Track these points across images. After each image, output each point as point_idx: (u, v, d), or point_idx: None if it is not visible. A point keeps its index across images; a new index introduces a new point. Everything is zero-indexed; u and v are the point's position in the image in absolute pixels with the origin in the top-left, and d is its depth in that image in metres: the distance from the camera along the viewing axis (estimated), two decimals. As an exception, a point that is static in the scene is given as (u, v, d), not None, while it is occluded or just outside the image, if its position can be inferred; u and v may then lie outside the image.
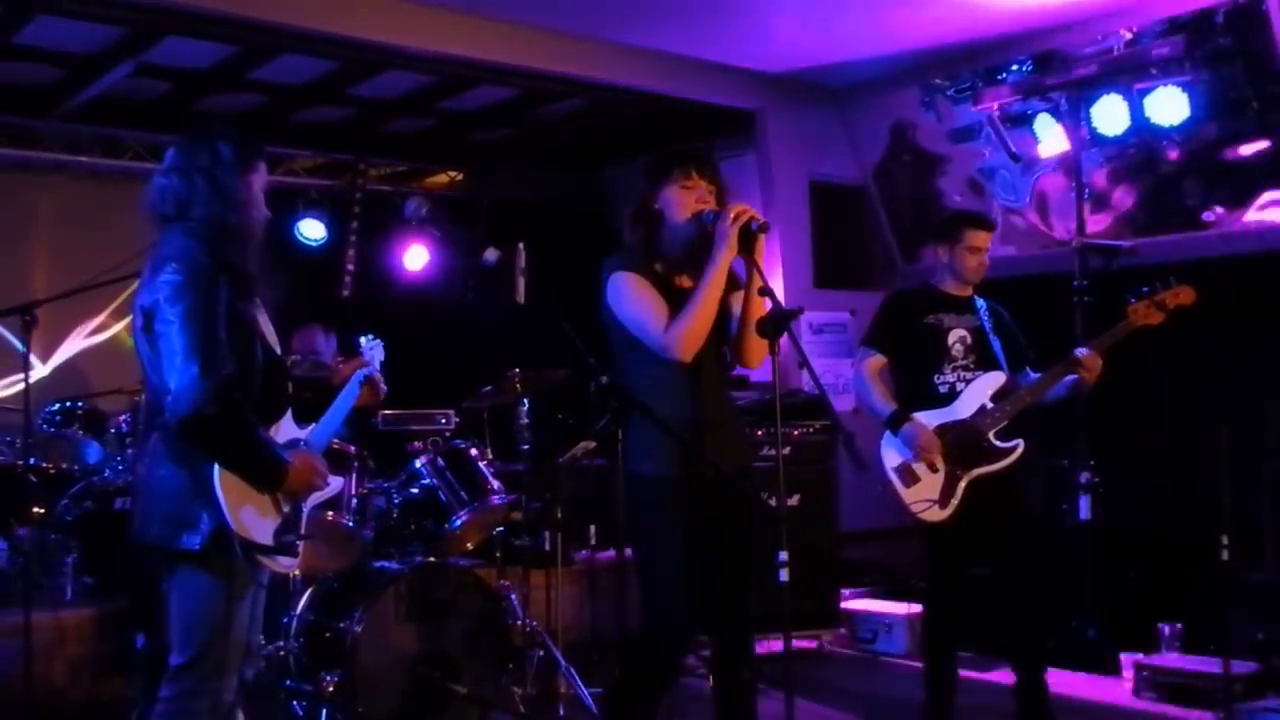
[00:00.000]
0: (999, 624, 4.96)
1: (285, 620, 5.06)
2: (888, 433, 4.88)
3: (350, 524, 5.24)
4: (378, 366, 3.98)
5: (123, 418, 5.90)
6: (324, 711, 4.90)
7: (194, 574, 3.29)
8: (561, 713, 5.47)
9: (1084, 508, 6.49)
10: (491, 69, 7.01)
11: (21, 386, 4.93)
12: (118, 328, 7.31)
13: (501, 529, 5.81)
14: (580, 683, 5.45)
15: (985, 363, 4.95)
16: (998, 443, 4.85)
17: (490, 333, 7.75)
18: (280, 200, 7.56)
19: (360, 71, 7.08)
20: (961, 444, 4.82)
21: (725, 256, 3.68)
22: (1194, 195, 6.77)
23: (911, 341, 4.96)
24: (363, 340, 4.06)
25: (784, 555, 3.39)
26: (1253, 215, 6.55)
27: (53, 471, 5.95)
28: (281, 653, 4.97)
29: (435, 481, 5.44)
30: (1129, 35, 6.61)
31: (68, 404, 6.19)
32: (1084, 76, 6.75)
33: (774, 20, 6.74)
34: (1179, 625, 5.98)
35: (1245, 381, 5.07)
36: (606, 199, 9.14)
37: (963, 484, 4.81)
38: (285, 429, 3.54)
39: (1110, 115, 6.64)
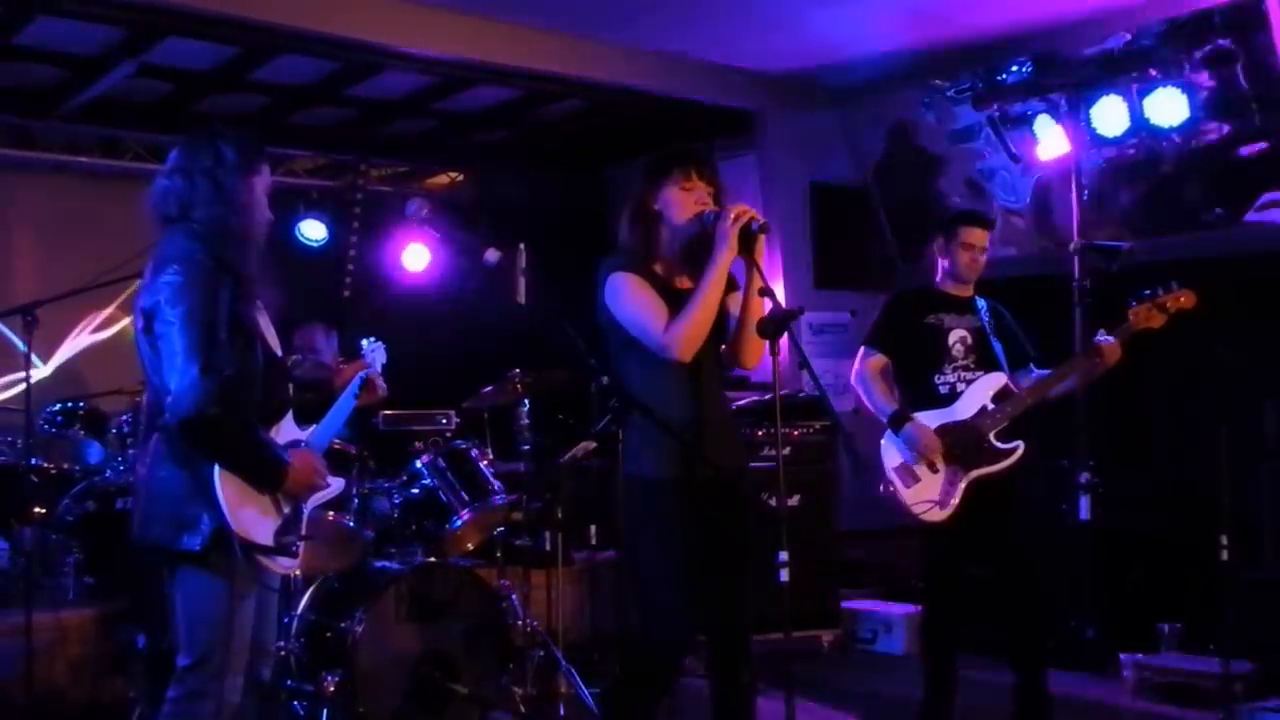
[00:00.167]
0: (999, 624, 4.97)
1: (286, 620, 5.06)
2: (889, 433, 4.89)
3: (351, 524, 5.24)
4: (379, 368, 3.99)
5: (124, 418, 5.91)
6: (325, 711, 4.91)
7: (195, 575, 3.30)
8: (562, 713, 5.47)
9: (1084, 508, 6.49)
10: (492, 70, 7.01)
11: (23, 387, 4.93)
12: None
13: (502, 529, 5.82)
14: (581, 683, 5.45)
15: (986, 363, 4.96)
16: (998, 444, 4.86)
17: (491, 333, 7.76)
18: (281, 201, 7.54)
19: (361, 72, 7.09)
20: (962, 445, 4.83)
21: (726, 257, 3.68)
22: (1194, 196, 6.78)
23: (912, 341, 4.97)
24: (364, 342, 4.06)
25: (784, 555, 3.40)
26: (1252, 216, 6.56)
27: (54, 472, 5.96)
28: (282, 653, 4.97)
29: (436, 482, 5.45)
30: (1129, 36, 6.62)
31: (69, 404, 6.20)
32: (1084, 77, 6.76)
33: (774, 21, 6.74)
34: (1178, 625, 5.99)
35: (1245, 382, 5.07)
36: (607, 200, 9.14)
37: (963, 485, 4.82)
38: (286, 430, 3.54)
39: (1110, 116, 6.65)
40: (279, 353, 3.55)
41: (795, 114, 8.04)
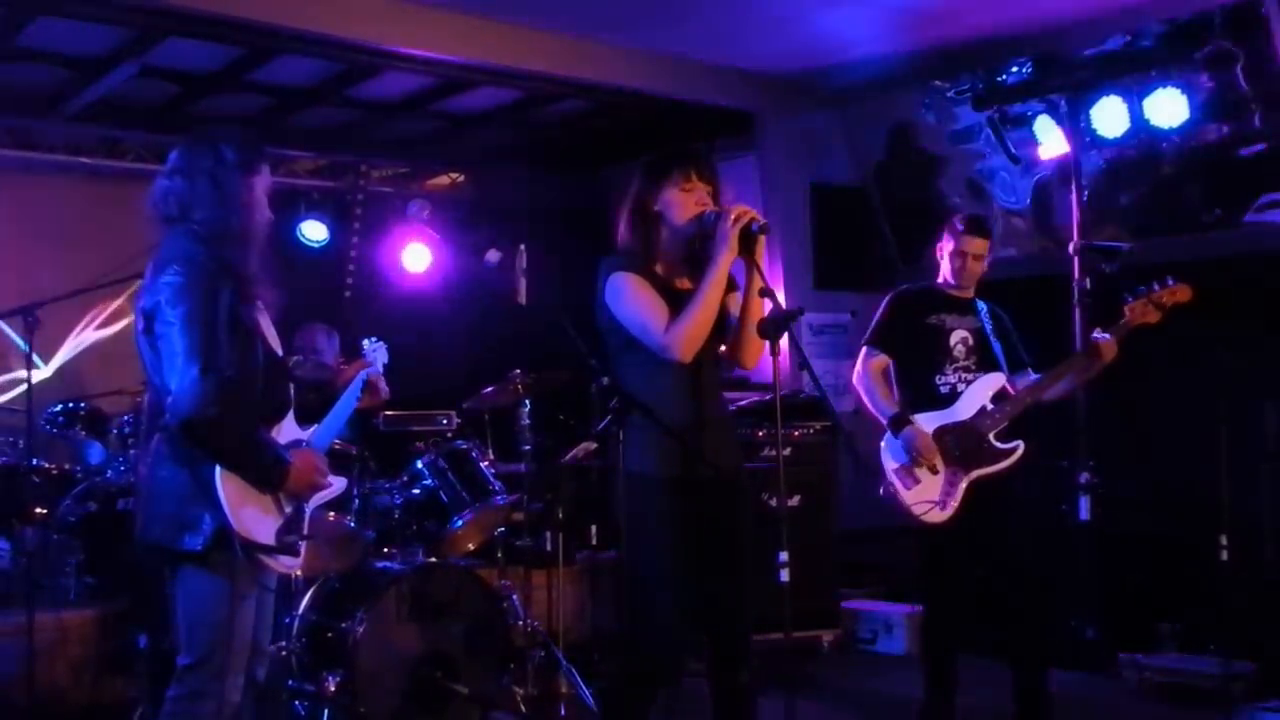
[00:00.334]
0: (998, 624, 4.97)
1: (287, 620, 5.07)
2: (888, 435, 4.90)
3: (352, 524, 5.26)
4: (380, 368, 3.99)
5: (125, 419, 5.91)
6: (326, 711, 4.92)
7: (196, 574, 3.31)
8: (563, 713, 5.48)
9: (1084, 508, 6.50)
10: (492, 71, 7.02)
11: (24, 387, 4.94)
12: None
13: (503, 529, 5.83)
14: (581, 683, 5.46)
15: (986, 364, 4.97)
16: (998, 444, 4.87)
17: (491, 333, 7.77)
18: (282, 201, 7.59)
19: (361, 73, 7.10)
20: (962, 445, 4.84)
21: (726, 258, 3.69)
22: (1193, 197, 6.79)
23: (914, 342, 4.97)
24: (366, 342, 4.07)
25: (784, 555, 3.40)
26: (1252, 217, 6.57)
27: (55, 472, 5.96)
28: (283, 653, 4.98)
29: (437, 482, 5.46)
30: (1128, 37, 6.62)
31: (70, 405, 6.20)
32: (1084, 78, 6.77)
33: (774, 22, 6.74)
34: (1178, 625, 6.00)
35: (1244, 382, 5.08)
36: (607, 200, 9.15)
37: (963, 485, 4.83)
38: (287, 430, 3.55)
39: (1110, 117, 6.65)
40: (280, 353, 3.56)
41: (795, 115, 8.04)
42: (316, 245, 8.09)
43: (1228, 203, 6.65)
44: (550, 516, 6.05)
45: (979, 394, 4.91)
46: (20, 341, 4.82)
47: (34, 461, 5.73)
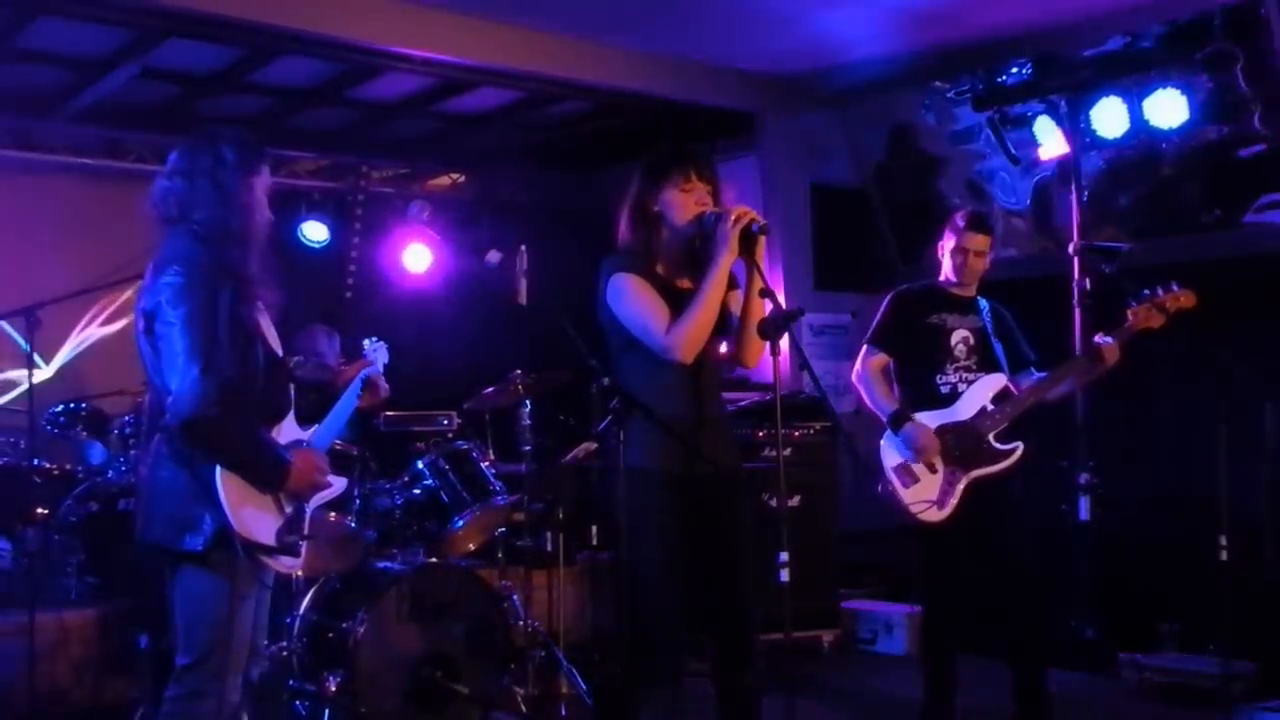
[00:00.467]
0: (998, 624, 4.98)
1: (288, 620, 5.07)
2: (888, 432, 4.90)
3: (352, 525, 5.26)
4: (381, 368, 4.00)
5: (126, 419, 5.92)
6: (326, 712, 4.92)
7: (197, 575, 3.31)
8: (563, 713, 5.49)
9: (1083, 508, 6.51)
10: (492, 72, 7.03)
11: (25, 387, 4.95)
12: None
13: (503, 530, 5.84)
14: (582, 683, 5.47)
15: (987, 364, 4.97)
16: (997, 445, 4.87)
17: (492, 334, 7.77)
18: (283, 202, 7.60)
19: (362, 74, 7.11)
20: (961, 445, 4.84)
21: (726, 259, 3.70)
22: (1193, 197, 6.80)
23: (915, 341, 4.97)
24: (366, 342, 4.08)
25: (784, 556, 3.41)
26: (1252, 217, 6.57)
27: (56, 473, 5.96)
28: (284, 653, 4.99)
29: (437, 482, 5.47)
30: (1128, 38, 6.63)
31: (71, 405, 6.20)
32: (1084, 79, 6.77)
33: (774, 23, 6.75)
34: (1178, 625, 6.00)
35: (1244, 383, 5.08)
36: (608, 201, 9.14)
37: (961, 485, 4.83)
38: (287, 430, 3.55)
39: (1110, 117, 6.66)
40: (280, 353, 3.56)
41: (796, 115, 8.05)
42: (317, 246, 8.09)
43: (1227, 203, 6.66)
44: (551, 517, 6.06)
45: (980, 394, 4.91)
46: (22, 342, 4.83)
47: (35, 462, 5.74)
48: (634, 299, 3.81)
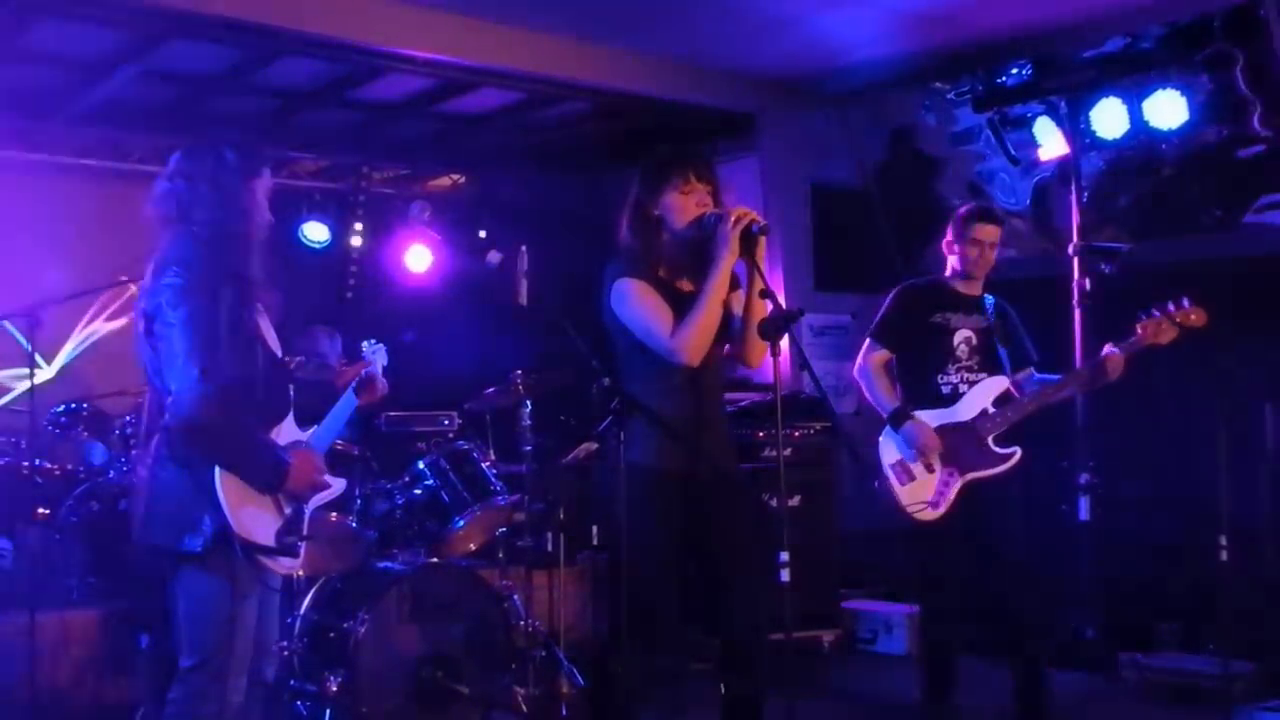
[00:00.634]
0: (998, 624, 4.99)
1: (289, 620, 5.08)
2: (888, 429, 4.90)
3: (353, 525, 5.27)
4: (379, 369, 4.01)
5: (127, 419, 5.92)
6: (327, 711, 4.92)
7: (197, 576, 3.32)
8: (564, 713, 5.49)
9: (1083, 508, 6.51)
10: (493, 73, 7.03)
11: (27, 387, 4.95)
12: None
13: (504, 530, 5.84)
14: (583, 682, 5.47)
15: (989, 365, 4.97)
16: (996, 448, 4.87)
17: (493, 334, 7.78)
18: (285, 203, 7.60)
19: (364, 75, 7.11)
20: (960, 446, 4.84)
21: (727, 260, 3.72)
22: (1193, 198, 6.80)
23: (918, 339, 4.97)
24: (365, 344, 4.09)
25: (784, 556, 3.42)
26: (1251, 218, 6.58)
27: (58, 473, 5.97)
28: (285, 653, 4.99)
29: (438, 482, 5.48)
30: (1128, 39, 6.64)
31: (73, 405, 6.20)
32: (1083, 80, 6.78)
33: (774, 24, 6.76)
34: (1177, 625, 6.01)
35: (1244, 383, 5.10)
36: (608, 202, 9.16)
37: (957, 486, 4.83)
38: (287, 431, 3.56)
39: (1109, 118, 6.66)
40: (280, 355, 3.57)
41: (796, 116, 8.06)
42: (319, 246, 8.10)
43: (1227, 204, 6.66)
44: (551, 517, 6.07)
45: (981, 396, 4.91)
46: (24, 341, 4.84)
47: (37, 462, 5.74)
48: (638, 303, 3.83)
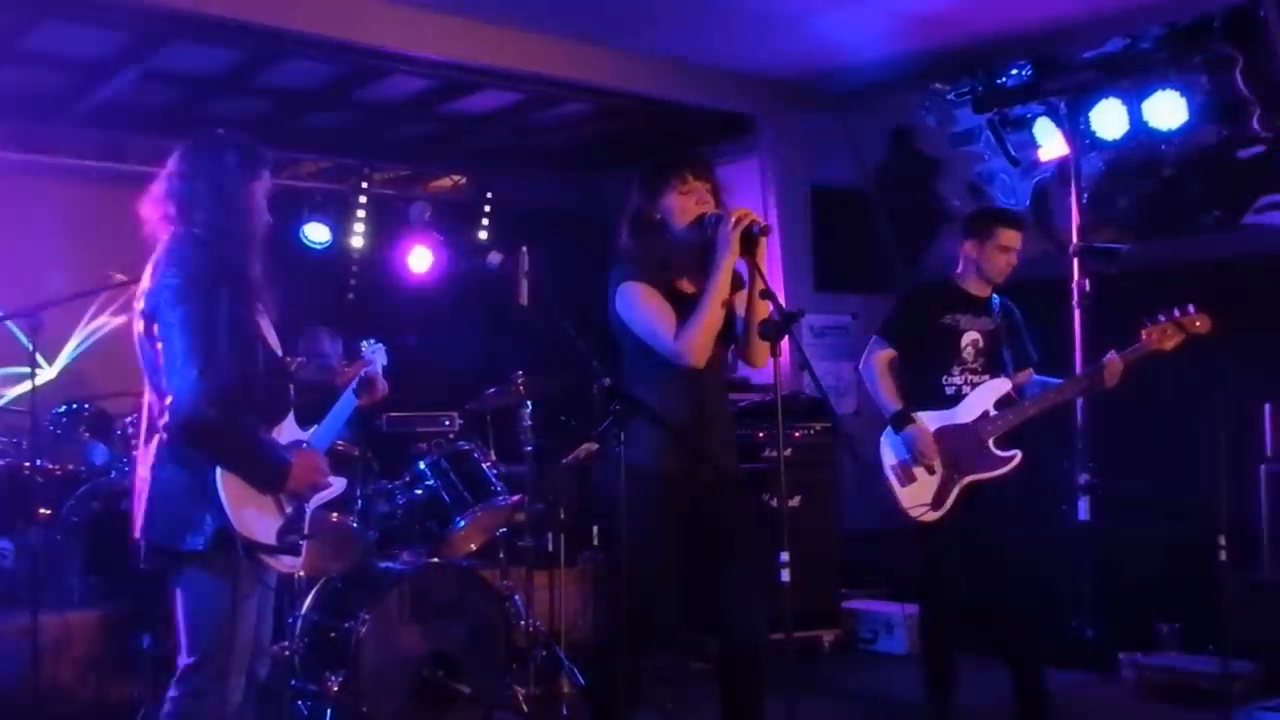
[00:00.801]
0: (998, 624, 4.99)
1: (290, 620, 5.09)
2: (889, 430, 4.91)
3: (354, 525, 5.28)
4: (379, 369, 4.03)
5: (129, 420, 5.92)
6: (328, 711, 4.94)
7: (198, 575, 3.32)
8: (564, 712, 5.50)
9: (1083, 508, 6.52)
10: (494, 74, 7.04)
11: (29, 387, 4.96)
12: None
13: (505, 530, 5.85)
14: (583, 682, 5.48)
15: (993, 367, 4.97)
16: (997, 451, 4.87)
17: (493, 335, 7.79)
18: (285, 204, 7.61)
19: (365, 76, 7.12)
20: (961, 449, 4.85)
21: (728, 261, 3.74)
22: (1192, 199, 6.81)
23: (926, 340, 4.96)
24: (365, 344, 4.11)
25: (785, 556, 3.43)
26: (1251, 218, 6.59)
27: (59, 473, 5.98)
28: (286, 653, 5.00)
29: (439, 483, 5.49)
30: (1128, 40, 6.64)
31: (74, 406, 6.22)
32: (1083, 80, 6.79)
33: (774, 25, 6.77)
34: (1177, 625, 6.02)
35: (1243, 384, 5.10)
36: (609, 202, 9.17)
37: (957, 488, 4.84)
38: (288, 430, 3.57)
39: (1109, 119, 6.67)
40: (280, 354, 3.58)
41: (796, 117, 8.06)
42: (319, 247, 8.10)
43: (1227, 204, 6.67)
44: (552, 517, 6.08)
45: (983, 398, 4.92)
46: (26, 341, 4.84)
47: (38, 462, 5.75)
48: (641, 306, 3.85)
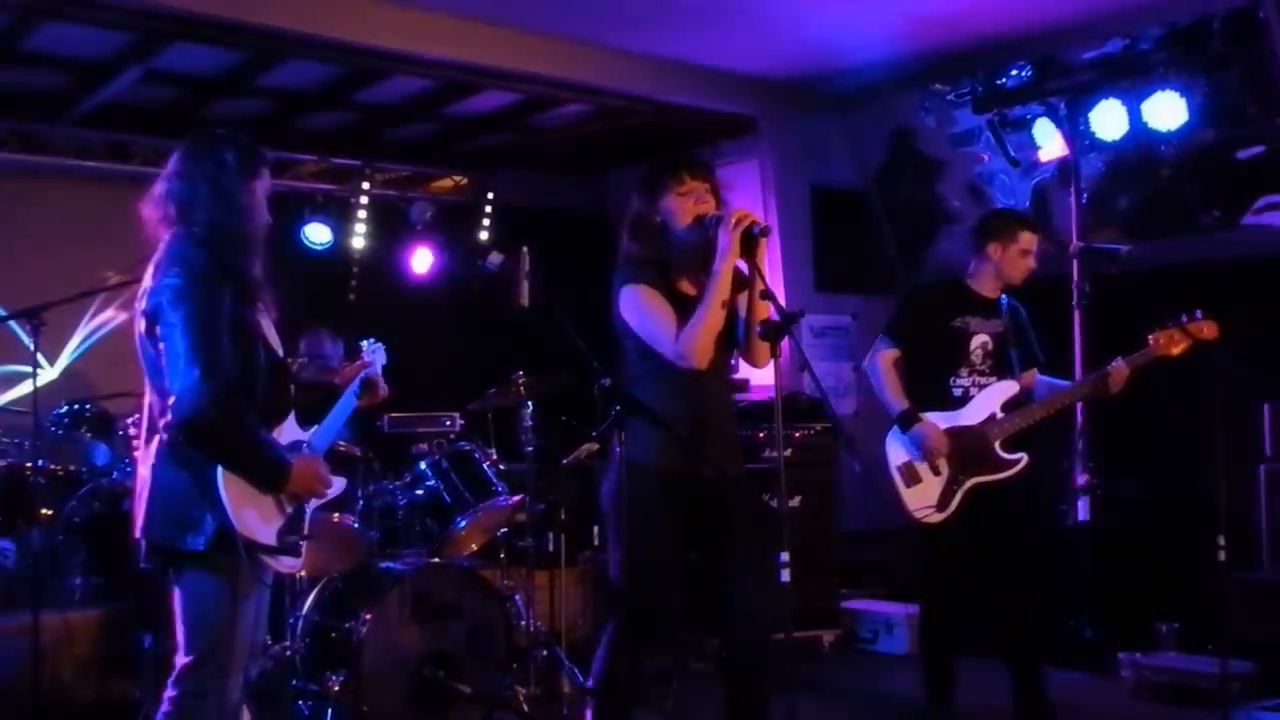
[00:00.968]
0: (998, 624, 5.00)
1: (291, 621, 5.10)
2: (895, 430, 4.90)
3: (355, 525, 5.29)
4: (379, 369, 4.03)
5: (131, 420, 5.94)
6: (329, 711, 4.94)
7: (198, 575, 3.32)
8: (565, 712, 5.51)
9: (1083, 509, 6.54)
10: (495, 74, 7.05)
11: (31, 388, 4.98)
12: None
13: (505, 530, 5.86)
14: (583, 682, 5.49)
15: (1001, 368, 4.96)
16: (1003, 453, 4.87)
17: (494, 335, 7.80)
18: (286, 205, 7.62)
19: (365, 77, 7.13)
20: (967, 450, 4.84)
21: (728, 262, 3.75)
22: (1192, 199, 6.81)
23: (934, 341, 4.95)
24: (364, 344, 4.11)
25: (784, 556, 3.44)
26: (1250, 219, 6.60)
27: (61, 473, 5.99)
28: (287, 653, 5.01)
29: (440, 483, 5.50)
30: (1127, 41, 6.65)
31: (76, 406, 6.23)
32: (1083, 81, 6.80)
33: (775, 26, 6.78)
34: (1176, 625, 6.02)
35: (1242, 384, 5.11)
36: (610, 203, 9.19)
37: (962, 490, 4.84)
38: (288, 431, 3.57)
39: (1109, 120, 6.68)
40: (281, 354, 3.58)
41: (796, 118, 8.08)
42: (320, 248, 8.11)
43: (1226, 205, 6.68)
44: (553, 517, 6.09)
45: (990, 400, 4.91)
46: (28, 341, 4.86)
47: (40, 462, 5.76)
48: (643, 308, 3.87)
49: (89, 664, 5.45)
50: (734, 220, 3.73)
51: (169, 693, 3.37)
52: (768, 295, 3.62)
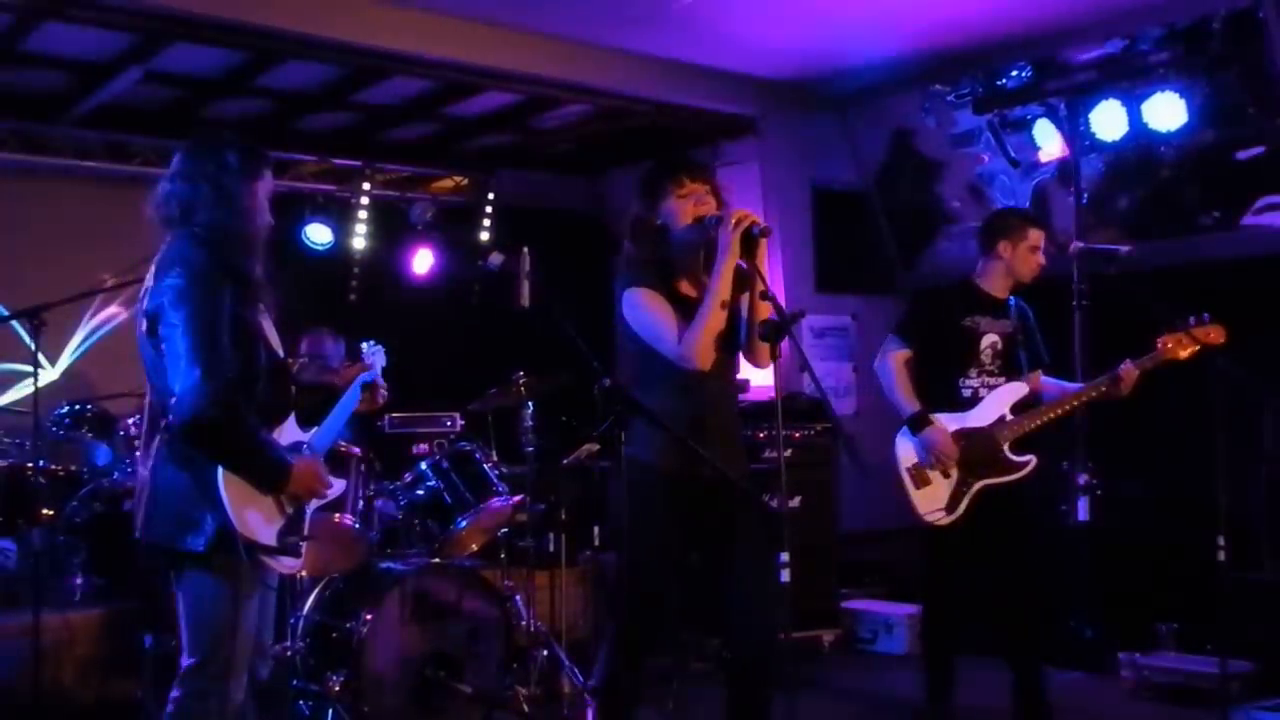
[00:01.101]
0: (998, 625, 5.00)
1: (292, 621, 5.10)
2: (905, 431, 4.89)
3: (356, 525, 5.29)
4: (379, 371, 4.03)
5: (131, 420, 5.94)
6: (330, 711, 4.95)
7: (199, 575, 3.33)
8: (565, 712, 5.52)
9: (1083, 509, 6.53)
10: (495, 75, 7.06)
11: (31, 387, 4.98)
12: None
13: (506, 530, 5.87)
14: (584, 682, 5.49)
15: (1010, 369, 4.96)
16: (1012, 455, 4.87)
17: (495, 336, 7.80)
18: (287, 205, 7.62)
19: (366, 78, 7.14)
20: (976, 452, 4.83)
21: (728, 263, 3.75)
22: (1191, 200, 6.82)
23: (945, 342, 4.94)
24: (364, 345, 4.11)
25: (784, 556, 3.44)
26: (1250, 219, 6.60)
27: (62, 474, 5.99)
28: (288, 653, 5.01)
29: (440, 483, 5.50)
30: (1127, 41, 6.66)
31: (77, 407, 6.23)
32: (1083, 82, 6.80)
33: (775, 26, 6.79)
34: (1176, 625, 6.03)
35: (1242, 385, 5.11)
36: (610, 203, 9.20)
37: (972, 492, 4.83)
38: (289, 431, 3.58)
39: (1109, 121, 6.69)
40: (281, 355, 3.59)
41: (797, 119, 8.08)
42: (321, 249, 8.11)
43: (1225, 205, 6.68)
44: (553, 517, 6.10)
45: (999, 402, 4.90)
46: (29, 341, 4.86)
47: (40, 463, 5.76)
48: (645, 311, 3.87)
49: (90, 664, 5.46)
50: (734, 221, 3.73)
51: (173, 694, 3.38)
52: (768, 296, 3.63)
